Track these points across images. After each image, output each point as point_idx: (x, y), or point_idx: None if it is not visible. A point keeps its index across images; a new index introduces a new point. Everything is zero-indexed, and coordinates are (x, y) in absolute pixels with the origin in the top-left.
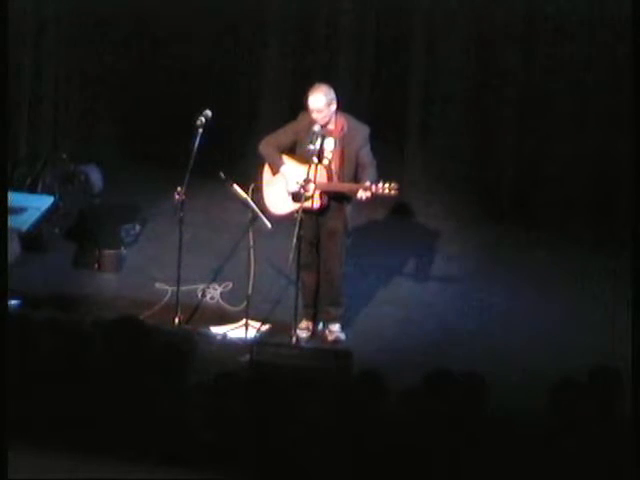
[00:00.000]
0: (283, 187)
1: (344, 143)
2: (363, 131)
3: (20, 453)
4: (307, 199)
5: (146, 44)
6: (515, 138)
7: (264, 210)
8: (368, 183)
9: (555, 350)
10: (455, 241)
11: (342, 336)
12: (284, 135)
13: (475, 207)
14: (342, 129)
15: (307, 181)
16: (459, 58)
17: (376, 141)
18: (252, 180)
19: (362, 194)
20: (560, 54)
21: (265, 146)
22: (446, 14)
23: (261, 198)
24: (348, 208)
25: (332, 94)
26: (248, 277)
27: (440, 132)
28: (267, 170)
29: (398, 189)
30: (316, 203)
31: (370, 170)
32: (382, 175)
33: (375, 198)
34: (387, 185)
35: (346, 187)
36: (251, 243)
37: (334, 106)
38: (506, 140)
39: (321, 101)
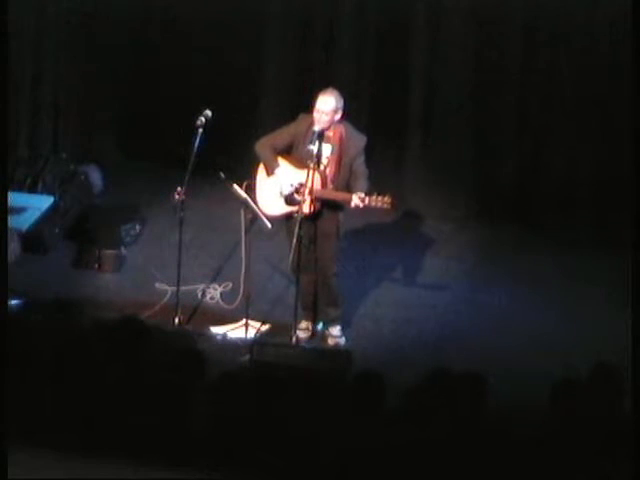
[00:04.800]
0: (276, 189)
1: (341, 150)
2: (360, 141)
3: (20, 453)
4: (301, 203)
5: (146, 44)
6: (515, 139)
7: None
8: (362, 194)
9: (555, 350)
10: (455, 241)
11: (342, 341)
12: (281, 136)
13: (475, 207)
14: (340, 136)
15: (302, 186)
16: (459, 59)
17: (376, 142)
18: (253, 180)
19: (355, 202)
20: (560, 55)
21: (261, 146)
22: (446, 15)
23: (254, 197)
24: (341, 214)
25: (341, 103)
26: (246, 277)
27: (440, 132)
28: (261, 170)
29: (391, 203)
30: (307, 208)
31: (362, 180)
32: (382, 174)
33: (367, 209)
34: (381, 198)
35: (340, 196)
36: (243, 243)
37: (338, 115)
38: (506, 140)
39: (329, 104)
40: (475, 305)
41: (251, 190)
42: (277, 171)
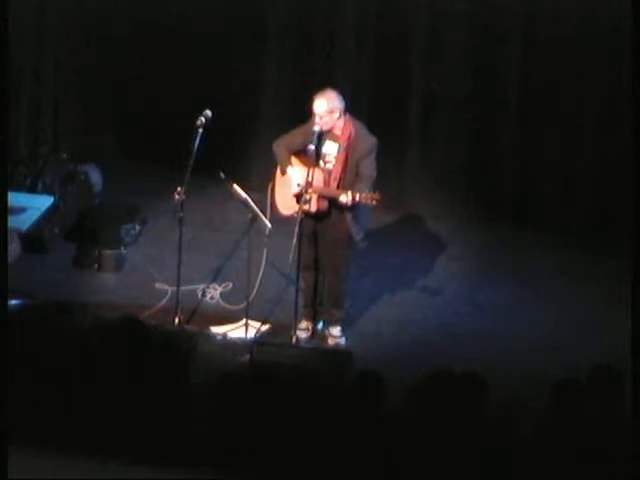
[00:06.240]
0: (290, 188)
1: (349, 150)
2: (368, 142)
3: (20, 453)
4: (306, 202)
5: (147, 44)
6: (515, 138)
7: (264, 210)
8: (350, 191)
9: (555, 350)
10: (455, 241)
11: (342, 341)
12: (295, 136)
13: (475, 207)
14: (349, 136)
15: (307, 184)
16: (460, 59)
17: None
18: (253, 180)
19: (342, 199)
20: (560, 56)
21: (277, 146)
22: (447, 16)
23: (273, 197)
24: (349, 216)
25: (337, 102)
26: (249, 277)
27: (440, 132)
28: (279, 170)
29: (377, 200)
30: (313, 207)
31: (364, 182)
32: (382, 175)
33: (357, 206)
34: (370, 195)
35: (334, 192)
36: (264, 246)
37: (337, 114)
38: (506, 140)
39: (322, 107)
40: (475, 305)
41: (272, 191)
42: (288, 170)
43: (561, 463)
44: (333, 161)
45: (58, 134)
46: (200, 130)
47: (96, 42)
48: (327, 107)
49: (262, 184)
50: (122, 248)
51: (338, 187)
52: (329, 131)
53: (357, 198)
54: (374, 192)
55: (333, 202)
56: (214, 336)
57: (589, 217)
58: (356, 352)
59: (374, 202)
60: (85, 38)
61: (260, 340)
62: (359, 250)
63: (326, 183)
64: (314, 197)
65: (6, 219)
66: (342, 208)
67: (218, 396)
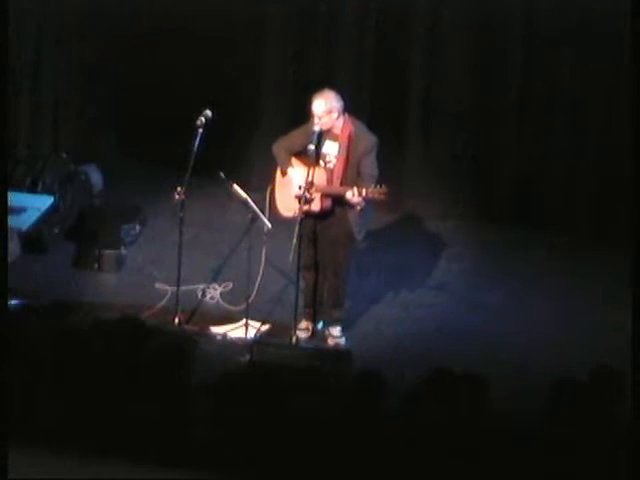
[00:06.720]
0: (291, 189)
1: (349, 149)
2: (368, 140)
3: (20, 453)
4: (309, 202)
5: (147, 44)
6: (515, 138)
7: (264, 210)
8: (358, 188)
9: (555, 350)
10: (455, 241)
11: (342, 341)
12: (295, 138)
13: (475, 207)
14: (349, 135)
15: (309, 184)
16: (459, 58)
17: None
18: (253, 180)
19: (348, 195)
20: (560, 54)
21: (277, 148)
22: (447, 14)
23: (273, 200)
24: (352, 214)
25: (335, 102)
26: (250, 278)
27: (440, 132)
28: (279, 172)
29: (385, 193)
30: (316, 206)
31: (366, 181)
32: (381, 175)
33: (366, 201)
34: (378, 189)
35: (338, 189)
36: (264, 245)
37: (335, 114)
38: (506, 140)
39: (320, 107)
40: (475, 305)
41: (272, 194)
42: (289, 171)
43: (561, 463)
44: (333, 161)
45: (58, 134)
46: (200, 130)
47: (96, 42)
48: (325, 107)
49: (262, 184)
50: (122, 248)
51: (341, 185)
52: (329, 131)
53: (364, 193)
54: (380, 186)
55: (338, 200)
56: (214, 336)
57: (589, 217)
58: (356, 352)
59: (382, 196)
60: (85, 38)
61: (260, 340)
62: (359, 250)
63: (329, 182)
64: (317, 196)
65: (6, 219)
66: (347, 206)
67: (218, 396)
